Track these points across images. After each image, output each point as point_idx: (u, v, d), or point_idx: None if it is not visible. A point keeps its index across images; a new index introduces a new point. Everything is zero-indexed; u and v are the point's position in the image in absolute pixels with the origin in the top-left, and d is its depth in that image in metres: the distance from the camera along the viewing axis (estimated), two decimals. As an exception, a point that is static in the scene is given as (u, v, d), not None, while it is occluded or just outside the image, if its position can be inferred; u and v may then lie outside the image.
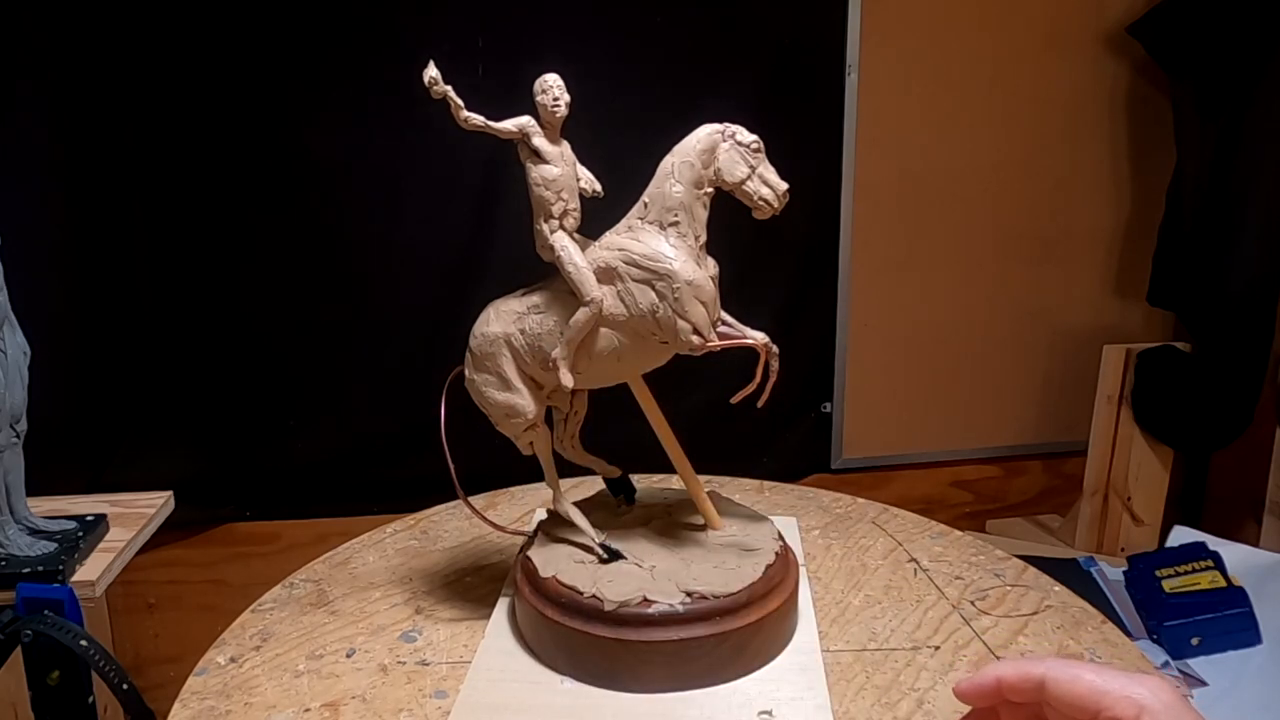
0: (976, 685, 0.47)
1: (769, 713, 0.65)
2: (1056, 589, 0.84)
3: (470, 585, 0.84)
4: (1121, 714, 0.41)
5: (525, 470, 0.87)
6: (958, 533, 0.95)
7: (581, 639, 0.67)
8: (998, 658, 0.73)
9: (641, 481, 0.82)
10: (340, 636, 0.76)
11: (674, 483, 0.99)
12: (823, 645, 0.74)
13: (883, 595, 0.82)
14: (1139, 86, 1.81)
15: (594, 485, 0.92)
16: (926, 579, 0.85)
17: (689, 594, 0.67)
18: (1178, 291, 1.79)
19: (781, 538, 0.76)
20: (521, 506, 1.01)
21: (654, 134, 0.72)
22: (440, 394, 0.75)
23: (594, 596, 0.67)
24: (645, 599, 0.67)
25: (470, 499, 0.82)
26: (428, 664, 0.72)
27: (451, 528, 0.96)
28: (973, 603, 0.81)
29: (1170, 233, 1.78)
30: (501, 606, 0.78)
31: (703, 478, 0.79)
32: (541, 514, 0.97)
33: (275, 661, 0.73)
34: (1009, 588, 0.84)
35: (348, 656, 0.73)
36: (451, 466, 0.75)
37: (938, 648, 0.74)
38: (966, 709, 0.52)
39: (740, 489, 1.05)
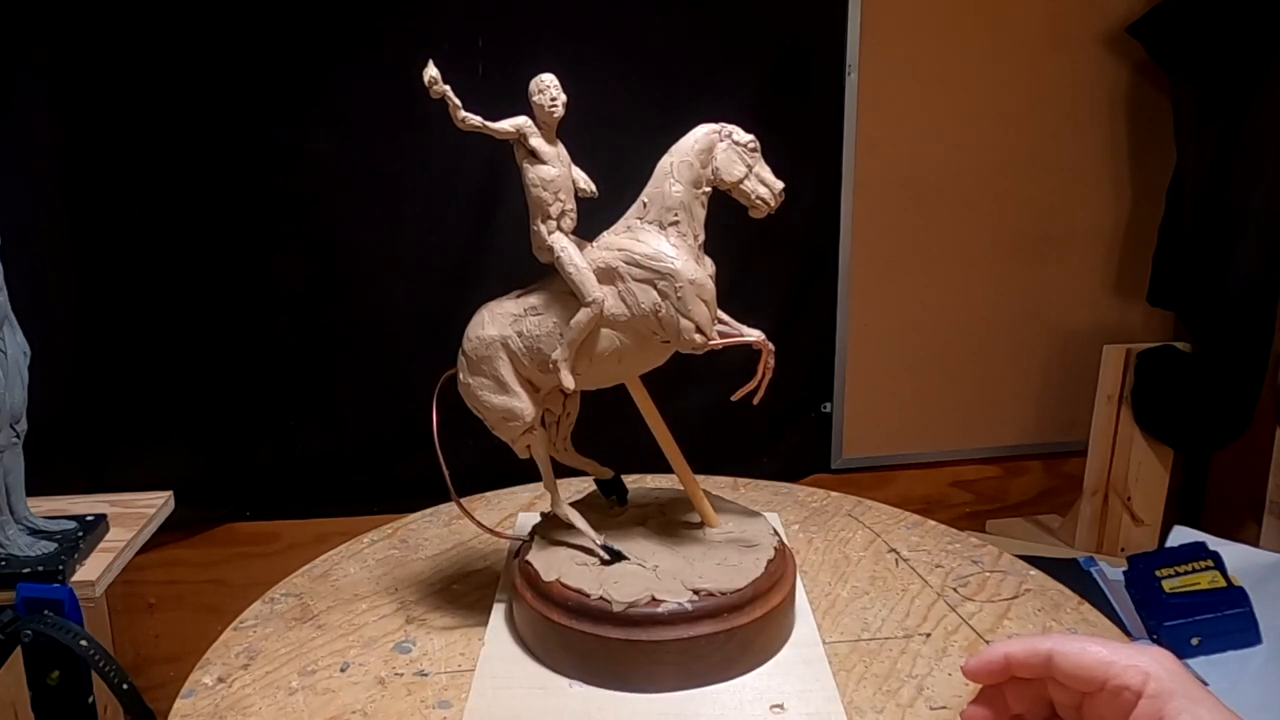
0: (985, 662, 0.47)
1: (780, 706, 0.65)
2: (1033, 573, 0.85)
3: (459, 593, 0.83)
4: (1129, 682, 0.42)
5: (522, 472, 0.87)
6: (931, 522, 0.96)
7: (590, 641, 0.67)
8: (987, 642, 0.74)
9: (625, 480, 0.82)
10: (331, 651, 0.75)
11: (649, 481, 0.99)
12: (819, 637, 0.74)
13: (869, 586, 0.83)
14: (1139, 86, 1.81)
15: (567, 487, 0.92)
16: (908, 568, 0.86)
17: (696, 592, 0.67)
18: (1178, 291, 1.79)
19: (778, 533, 0.77)
20: (499, 511, 1.01)
21: (653, 134, 0.72)
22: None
23: (602, 598, 0.67)
24: (653, 599, 0.67)
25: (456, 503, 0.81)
26: (426, 675, 0.71)
27: (431, 535, 0.96)
28: (955, 589, 0.82)
29: (1170, 232, 1.78)
30: (498, 612, 0.78)
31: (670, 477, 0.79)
32: (522, 518, 0.97)
33: (266, 680, 0.71)
34: (988, 574, 0.85)
35: (342, 671, 0.72)
36: (445, 471, 0.75)
37: (929, 635, 0.75)
38: (967, 693, 0.52)
39: (714, 486, 1.05)
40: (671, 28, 1.58)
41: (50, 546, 0.98)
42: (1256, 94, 1.61)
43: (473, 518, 0.81)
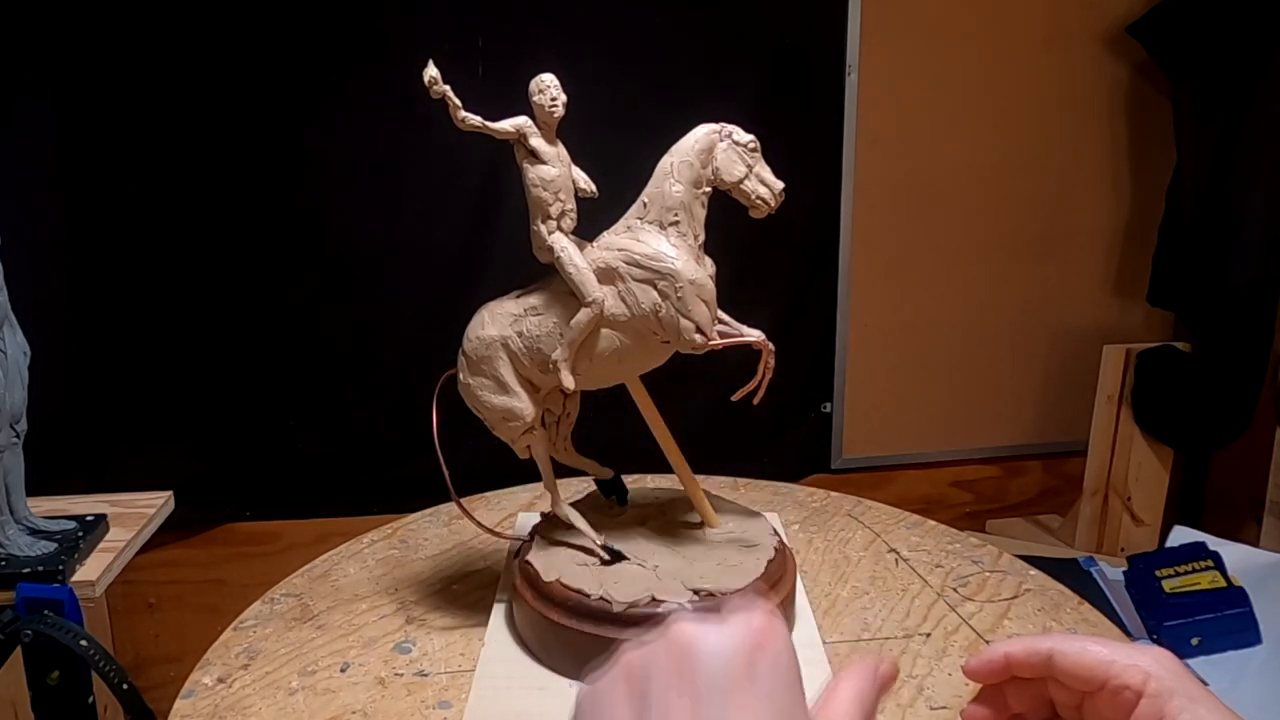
0: (986, 662, 0.47)
1: None
2: (1032, 573, 0.86)
3: (459, 593, 0.83)
4: (1129, 681, 0.42)
5: (522, 472, 0.87)
6: (931, 522, 0.96)
7: (590, 642, 0.67)
8: (987, 642, 0.74)
9: (625, 480, 0.82)
10: (331, 651, 0.75)
11: (649, 481, 0.99)
12: (819, 637, 0.74)
13: (869, 586, 0.83)
14: (1139, 86, 1.81)
15: (567, 487, 0.92)
16: (908, 568, 0.86)
17: (696, 592, 0.67)
18: (1178, 291, 1.78)
19: (777, 533, 0.77)
20: (499, 511, 1.01)
21: (653, 135, 0.72)
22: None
23: (602, 598, 0.67)
24: (653, 599, 0.67)
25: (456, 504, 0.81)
26: (426, 675, 0.71)
27: (431, 535, 0.96)
28: (955, 589, 0.82)
29: (1170, 233, 1.78)
30: (498, 612, 0.78)
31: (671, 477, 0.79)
32: (522, 518, 0.97)
33: (266, 680, 0.71)
34: (988, 574, 0.86)
35: (342, 671, 0.72)
36: (445, 471, 0.75)
37: (929, 635, 0.75)
38: (967, 693, 0.52)
39: (714, 486, 1.06)
40: (671, 28, 1.58)
41: (50, 546, 0.98)
42: (1256, 94, 1.61)
43: (473, 518, 0.81)
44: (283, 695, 0.69)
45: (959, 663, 0.69)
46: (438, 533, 0.96)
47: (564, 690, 0.68)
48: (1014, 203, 1.82)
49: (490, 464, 0.91)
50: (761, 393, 0.71)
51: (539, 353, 0.70)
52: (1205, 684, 0.42)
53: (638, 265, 0.67)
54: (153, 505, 1.15)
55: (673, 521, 0.78)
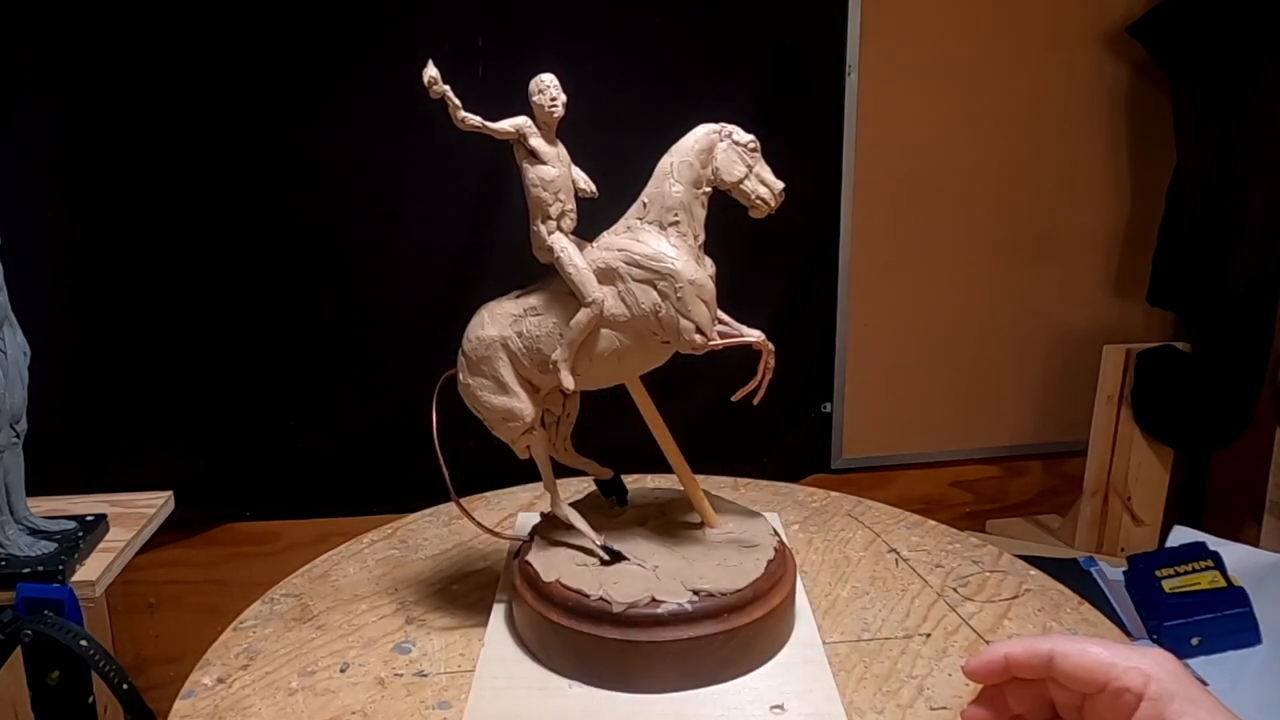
0: (985, 663, 0.47)
1: (780, 706, 0.65)
2: (1033, 573, 0.86)
3: (459, 593, 0.83)
4: (1130, 684, 0.42)
5: (522, 472, 0.87)
6: (931, 522, 0.96)
7: (590, 642, 0.67)
8: (987, 642, 0.74)
9: (625, 480, 0.82)
10: (331, 651, 0.75)
11: (649, 481, 0.99)
12: (819, 637, 0.74)
13: (869, 586, 0.83)
14: (1139, 86, 1.81)
15: (567, 487, 0.92)
16: (909, 568, 0.86)
17: (696, 592, 0.67)
18: (1178, 291, 1.79)
19: (777, 533, 0.77)
20: (499, 511, 1.01)
21: (653, 135, 0.72)
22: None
23: (601, 599, 0.67)
24: (653, 599, 0.67)
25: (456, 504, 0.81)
26: (426, 675, 0.71)
27: (431, 535, 0.96)
28: (955, 589, 0.82)
29: (1170, 233, 1.78)
30: (497, 613, 0.78)
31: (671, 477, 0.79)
32: (522, 518, 0.97)
33: (266, 680, 0.71)
34: (988, 574, 0.86)
35: (341, 671, 0.72)
36: (445, 471, 0.75)
37: (929, 635, 0.75)
38: (967, 693, 0.52)
39: (714, 486, 1.06)
40: (671, 28, 1.58)
41: (50, 546, 0.98)
42: (1256, 94, 1.61)
43: (473, 518, 0.81)
44: (282, 695, 0.69)
45: (959, 663, 0.69)
46: (438, 533, 0.96)
47: (563, 690, 0.68)
48: (1014, 203, 1.82)
49: (490, 464, 0.91)
50: (761, 393, 0.71)
51: (539, 353, 0.70)
52: (1205, 685, 0.42)
53: (638, 265, 0.67)
54: (153, 505, 1.15)
55: (672, 521, 0.78)
